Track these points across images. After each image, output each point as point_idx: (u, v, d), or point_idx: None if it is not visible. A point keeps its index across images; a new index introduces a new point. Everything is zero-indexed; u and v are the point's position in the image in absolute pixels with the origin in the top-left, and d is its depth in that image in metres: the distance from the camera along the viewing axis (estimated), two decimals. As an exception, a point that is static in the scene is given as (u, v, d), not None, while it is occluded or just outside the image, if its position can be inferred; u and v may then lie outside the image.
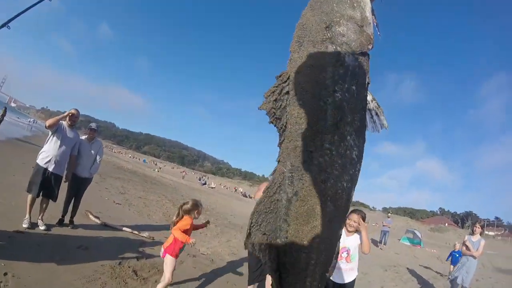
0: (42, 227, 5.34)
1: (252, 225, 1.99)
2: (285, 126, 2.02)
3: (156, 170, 51.70)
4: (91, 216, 7.00)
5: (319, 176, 1.93)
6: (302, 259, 1.98)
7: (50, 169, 5.41)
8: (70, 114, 5.65)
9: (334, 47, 2.01)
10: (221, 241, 8.62)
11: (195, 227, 4.48)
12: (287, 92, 2.02)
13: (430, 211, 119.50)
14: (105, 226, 6.75)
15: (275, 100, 2.01)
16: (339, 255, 4.06)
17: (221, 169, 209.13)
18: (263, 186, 4.19)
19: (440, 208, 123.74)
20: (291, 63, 2.10)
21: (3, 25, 4.04)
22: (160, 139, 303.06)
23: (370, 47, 2.13)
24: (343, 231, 4.12)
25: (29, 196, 5.29)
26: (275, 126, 2.04)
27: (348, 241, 4.16)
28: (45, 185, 5.40)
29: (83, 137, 6.22)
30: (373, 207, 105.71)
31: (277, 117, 2.02)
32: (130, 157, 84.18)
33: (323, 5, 2.16)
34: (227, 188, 71.00)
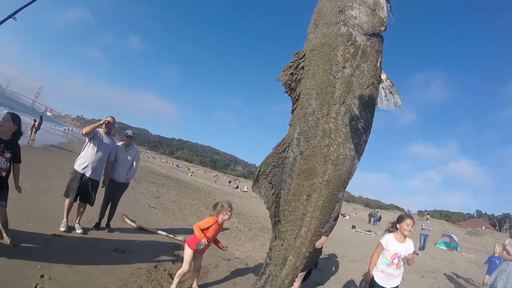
0: (79, 231, 5.40)
1: (260, 173, 2.30)
2: (299, 96, 2.26)
3: (189, 174, 52.41)
4: (127, 220, 7.05)
5: (323, 140, 2.16)
6: (300, 210, 2.25)
7: (88, 174, 5.47)
8: (106, 122, 5.70)
9: (346, 28, 2.20)
10: (255, 245, 8.47)
11: (215, 240, 4.48)
12: (302, 67, 2.24)
13: (467, 213, 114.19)
14: (141, 229, 6.78)
15: (291, 73, 2.24)
16: (391, 261, 3.99)
17: (252, 173, 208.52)
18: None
19: (477, 210, 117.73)
20: (307, 43, 2.31)
21: (9, 17, 4.04)
22: (192, 144, 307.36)
23: (382, 28, 2.28)
24: (393, 236, 4.07)
25: (67, 201, 5.36)
26: (289, 95, 2.28)
27: (400, 248, 4.05)
28: (82, 190, 5.46)
29: (120, 144, 6.27)
30: (408, 210, 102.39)
31: (292, 88, 2.27)
32: (164, 162, 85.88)
33: None
34: None
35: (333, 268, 7.81)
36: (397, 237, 4.08)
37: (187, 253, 4.17)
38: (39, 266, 3.71)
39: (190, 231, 7.66)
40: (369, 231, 23.42)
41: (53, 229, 5.07)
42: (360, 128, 2.23)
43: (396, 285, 4.07)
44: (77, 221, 5.51)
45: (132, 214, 7.58)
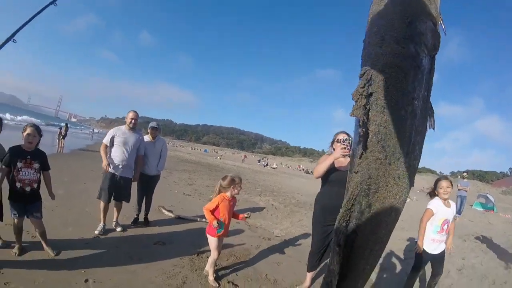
0: (118, 229, 5.44)
1: (337, 242, 2.01)
2: (366, 133, 1.88)
3: (218, 157, 52.94)
4: (164, 211, 7.09)
5: (393, 190, 1.88)
6: (361, 265, 2.05)
7: (118, 173, 5.43)
8: (131, 119, 5.62)
9: (414, 48, 1.85)
10: (293, 221, 8.40)
11: (234, 213, 4.40)
12: (371, 94, 1.86)
13: (500, 172, 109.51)
14: (179, 218, 6.82)
15: (365, 105, 1.86)
16: (441, 228, 3.85)
17: (280, 149, 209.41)
18: (322, 160, 3.92)
19: (510, 168, 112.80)
20: (373, 58, 1.92)
21: (8, 40, 3.82)
22: (217, 127, 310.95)
23: (438, 50, 1.98)
24: (442, 202, 3.92)
25: (101, 203, 5.37)
26: (361, 133, 1.90)
27: (448, 213, 3.93)
28: (115, 189, 5.45)
29: (146, 137, 6.20)
30: (440, 172, 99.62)
31: (364, 124, 1.88)
32: (192, 149, 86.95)
33: None
34: (288, 167, 70.93)
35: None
36: (444, 202, 3.92)
37: (211, 241, 4.11)
38: (83, 271, 3.71)
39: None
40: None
41: (92, 231, 5.10)
42: (416, 167, 2.01)
43: (443, 249, 3.98)
44: (115, 219, 5.55)
45: (168, 204, 7.62)
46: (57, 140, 19.23)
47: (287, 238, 6.58)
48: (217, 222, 3.95)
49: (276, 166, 58.71)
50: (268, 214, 8.87)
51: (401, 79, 1.83)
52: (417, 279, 4.25)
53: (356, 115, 1.87)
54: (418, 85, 1.87)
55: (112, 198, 5.47)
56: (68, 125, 21.82)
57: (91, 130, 70.23)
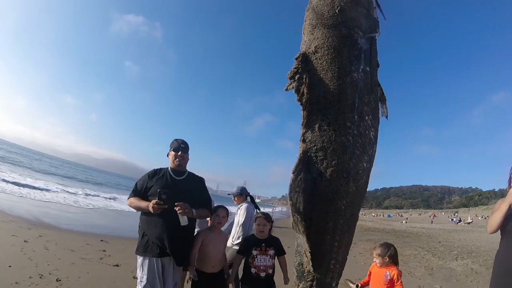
0: None
1: (292, 205, 2.05)
2: (307, 104, 2.09)
3: (403, 221, 49.59)
4: (351, 284, 7.11)
5: (343, 156, 2.00)
6: (327, 241, 2.09)
7: None
8: None
9: (347, 31, 2.10)
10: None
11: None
12: (308, 71, 2.10)
13: None
14: (367, 290, 6.72)
15: (298, 79, 2.09)
16: None
17: (472, 198, 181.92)
18: (496, 207, 2.89)
19: None
20: (307, 44, 2.19)
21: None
22: (397, 188, 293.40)
23: (378, 31, 2.23)
24: None
25: None
26: (300, 104, 2.12)
27: None
28: None
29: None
30: None
31: (301, 94, 2.11)
32: (374, 216, 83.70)
33: None
34: (485, 218, 60.61)
35: None
36: None
37: None
38: None
39: (419, 284, 7.24)
40: None
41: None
42: (372, 138, 2.14)
43: None
44: None
45: (355, 278, 7.60)
46: None
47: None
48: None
49: (471, 220, 51.18)
50: (467, 281, 8.00)
51: (334, 55, 2.05)
52: None
53: (289, 88, 2.08)
54: (356, 60, 2.07)
55: None
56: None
57: (273, 208, 75.77)
